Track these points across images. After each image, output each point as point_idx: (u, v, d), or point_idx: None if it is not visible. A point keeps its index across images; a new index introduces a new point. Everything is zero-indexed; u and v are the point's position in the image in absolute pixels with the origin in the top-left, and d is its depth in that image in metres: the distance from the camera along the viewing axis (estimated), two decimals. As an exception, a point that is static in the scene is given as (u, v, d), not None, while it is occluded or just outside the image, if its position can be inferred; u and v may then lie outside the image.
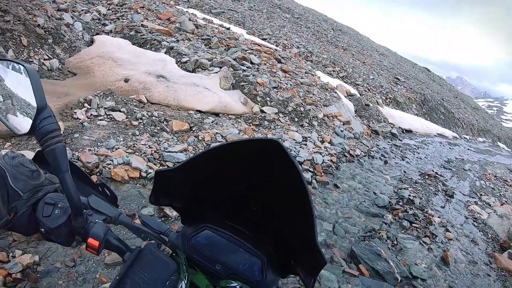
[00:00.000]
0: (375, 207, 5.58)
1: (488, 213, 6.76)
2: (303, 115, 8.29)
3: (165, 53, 8.87)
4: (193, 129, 5.94)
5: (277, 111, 7.96)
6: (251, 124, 7.08)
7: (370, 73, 19.72)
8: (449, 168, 10.04)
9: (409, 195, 6.28)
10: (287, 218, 0.82)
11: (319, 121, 8.49)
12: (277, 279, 0.90)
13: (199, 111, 6.83)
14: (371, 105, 12.95)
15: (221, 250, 0.88)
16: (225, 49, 10.38)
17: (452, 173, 9.51)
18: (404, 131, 13.41)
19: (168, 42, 9.47)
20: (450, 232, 5.36)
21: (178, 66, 8.37)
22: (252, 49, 11.22)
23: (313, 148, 6.91)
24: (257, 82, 8.39)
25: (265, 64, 10.33)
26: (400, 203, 5.88)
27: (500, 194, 9.22)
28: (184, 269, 0.81)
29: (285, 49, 16.18)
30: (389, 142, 10.64)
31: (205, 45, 10.44)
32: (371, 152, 8.60)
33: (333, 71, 16.80)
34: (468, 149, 15.68)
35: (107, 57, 7.70)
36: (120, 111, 5.67)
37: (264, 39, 16.42)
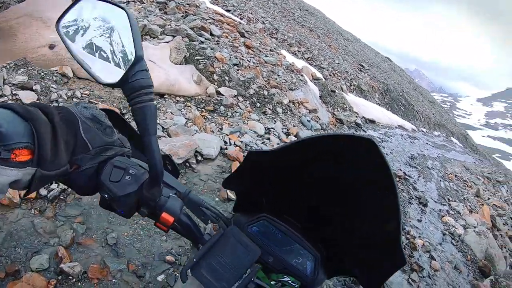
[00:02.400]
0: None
1: (463, 227, 6.28)
2: (266, 100, 7.20)
3: (109, 17, 7.38)
4: (125, 117, 4.62)
5: (236, 94, 6.79)
6: (203, 110, 5.91)
7: (336, 57, 18.95)
8: (414, 166, 9.70)
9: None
10: (369, 217, 0.79)
11: (284, 108, 7.46)
12: (324, 279, 0.87)
13: (139, 91, 5.51)
14: (336, 91, 12.07)
15: (276, 242, 0.85)
16: (182, 16, 9.09)
17: (418, 172, 9.14)
18: (368, 121, 13.01)
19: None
20: (435, 260, 4.60)
21: None
22: (213, 19, 10.04)
23: (278, 143, 5.87)
24: (215, 57, 7.16)
25: (227, 37, 9.20)
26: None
27: (463, 198, 9.19)
28: None
29: (249, 23, 14.93)
30: (354, 133, 9.81)
31: (160, 9, 9.10)
32: None
33: (298, 51, 15.86)
34: (427, 143, 15.82)
35: (36, 17, 6.08)
36: (31, 89, 4.25)
37: (228, 11, 15.06)
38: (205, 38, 8.15)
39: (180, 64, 6.56)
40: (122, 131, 0.82)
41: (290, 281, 0.81)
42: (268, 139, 5.83)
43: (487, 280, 4.69)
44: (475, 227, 6.70)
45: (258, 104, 7.00)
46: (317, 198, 0.86)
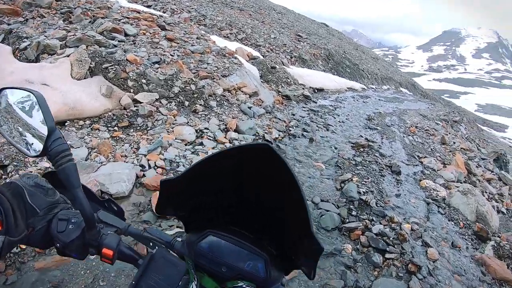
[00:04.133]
0: (322, 233, 3.78)
1: (444, 187, 5.66)
2: (195, 95, 6.14)
3: (1, 41, 6.34)
4: (7, 169, 3.51)
5: (157, 97, 5.72)
6: (116, 129, 4.80)
7: (271, 32, 18.08)
8: (374, 127, 9.08)
9: (359, 191, 4.67)
10: (284, 213, 0.86)
11: (218, 100, 6.47)
12: (281, 276, 0.93)
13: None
14: (277, 67, 11.16)
15: (225, 253, 0.89)
16: (90, 22, 8.02)
17: (380, 134, 8.51)
18: (316, 91, 12.42)
19: (10, 24, 7.03)
20: (431, 246, 3.79)
21: (16, 56, 5.85)
22: (128, 18, 9.05)
23: (213, 148, 4.88)
24: (127, 59, 6.03)
25: (144, 33, 8.19)
26: (354, 213, 4.24)
27: (431, 149, 8.77)
28: (192, 273, 0.87)
29: (173, 15, 13.81)
30: (304, 108, 9.04)
31: (63, 20, 7.99)
32: (290, 129, 6.85)
33: (231, 33, 14.99)
34: (379, 99, 15.53)
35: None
36: None
37: (149, 6, 14.16)
38: (119, 41, 7.19)
39: (84, 78, 5.40)
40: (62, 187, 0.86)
41: (244, 285, 0.86)
42: (201, 144, 4.87)
43: (489, 247, 4.02)
44: (454, 182, 6.10)
45: (186, 103, 5.96)
46: (243, 207, 0.92)
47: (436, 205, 4.90)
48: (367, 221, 4.01)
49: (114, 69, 5.68)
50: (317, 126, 7.49)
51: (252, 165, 0.81)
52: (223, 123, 5.63)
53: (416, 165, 6.52)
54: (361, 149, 6.57)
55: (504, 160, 10.28)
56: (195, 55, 7.71)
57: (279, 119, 6.98)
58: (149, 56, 6.65)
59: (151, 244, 0.93)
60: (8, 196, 0.74)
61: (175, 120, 5.30)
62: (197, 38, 9.23)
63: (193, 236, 0.92)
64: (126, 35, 7.72)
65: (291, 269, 0.95)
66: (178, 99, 5.87)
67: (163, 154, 4.30)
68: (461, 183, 6.34)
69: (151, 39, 7.83)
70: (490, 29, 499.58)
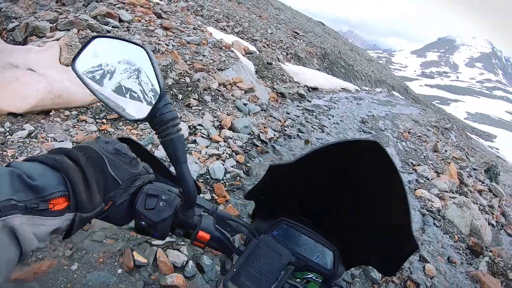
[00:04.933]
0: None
1: (438, 198, 5.51)
2: (190, 88, 5.87)
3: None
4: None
5: None
6: (104, 121, 4.49)
7: (268, 27, 17.85)
8: (368, 131, 9.05)
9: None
10: (379, 208, 0.84)
11: (213, 94, 6.21)
12: (343, 270, 0.91)
13: (13, 114, 3.94)
14: (273, 63, 10.96)
15: (296, 242, 0.89)
16: (83, 5, 7.75)
17: (374, 138, 8.12)
18: (311, 90, 12.31)
19: (-1, 2, 6.64)
20: (428, 261, 3.67)
21: (3, 37, 5.58)
22: (123, 3, 8.66)
23: (207, 147, 4.61)
24: None
25: (140, 20, 7.90)
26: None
27: (424, 157, 8.75)
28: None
29: (170, 3, 13.46)
30: (299, 107, 8.88)
31: (56, 1, 7.74)
32: (285, 128, 6.66)
33: (227, 26, 14.74)
34: (372, 102, 15.67)
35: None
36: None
37: None
38: (113, 26, 6.93)
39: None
40: (141, 157, 0.77)
41: (313, 277, 0.85)
42: (194, 142, 4.61)
43: (483, 263, 3.92)
44: (447, 192, 6.01)
45: (180, 96, 5.68)
46: (331, 197, 0.89)
47: (432, 216, 4.80)
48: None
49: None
50: (312, 126, 7.34)
51: (357, 160, 0.78)
52: (217, 120, 5.40)
53: (411, 173, 6.43)
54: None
55: (495, 172, 10.27)
56: (191, 46, 7.47)
57: (275, 117, 6.81)
58: (143, 43, 6.40)
59: (234, 230, 0.91)
60: (82, 164, 0.61)
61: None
62: (193, 28, 8.97)
63: (264, 223, 0.92)
64: (120, 21, 7.46)
65: (353, 265, 0.95)
66: (171, 91, 5.61)
67: (153, 152, 4.04)
68: (453, 193, 6.28)
69: (146, 26, 7.57)
70: (485, 39, 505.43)
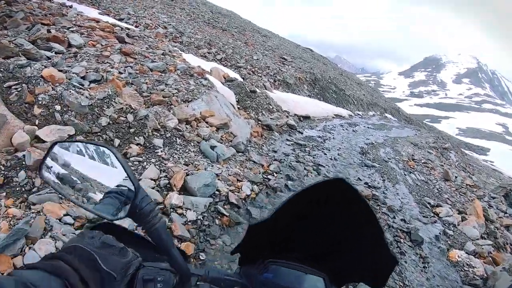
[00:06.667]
0: None
1: (478, 258, 4.32)
2: (132, 130, 4.45)
3: None
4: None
5: (72, 133, 3.89)
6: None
7: (254, 54, 16.89)
8: (371, 165, 7.82)
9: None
10: (359, 236, 0.90)
11: (168, 136, 4.84)
12: None
13: None
14: (258, 90, 9.82)
15: (287, 278, 0.91)
16: (27, 28, 6.63)
17: (379, 174, 7.26)
18: (302, 119, 11.23)
19: None
20: None
21: None
22: (80, 26, 7.83)
23: (136, 230, 2.98)
24: (42, 76, 4.34)
25: (94, 45, 6.91)
26: None
27: (437, 190, 7.60)
28: None
29: (144, 30, 12.54)
30: (288, 140, 7.66)
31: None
32: (269, 176, 5.20)
33: (209, 53, 13.80)
34: (368, 127, 14.97)
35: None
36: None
37: (121, 19, 13.12)
38: (56, 52, 5.93)
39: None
40: (122, 239, 0.77)
41: None
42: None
43: None
44: (479, 240, 4.78)
45: (117, 142, 4.25)
46: (312, 233, 0.95)
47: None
48: None
49: (20, 89, 4.03)
50: (305, 168, 5.98)
51: (326, 198, 0.85)
52: (166, 176, 3.93)
53: (434, 222, 5.18)
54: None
55: (515, 196, 9.04)
56: (153, 74, 6.27)
57: (255, 162, 5.43)
58: (86, 72, 5.20)
59: (222, 284, 0.91)
60: (76, 266, 0.61)
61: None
62: (162, 54, 7.83)
63: (252, 268, 0.94)
64: (70, 45, 6.42)
65: (344, 283, 0.99)
66: (105, 135, 4.20)
67: (43, 238, 2.57)
68: (484, 239, 5.07)
69: (101, 52, 6.47)
70: (470, 55, 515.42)
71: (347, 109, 18.94)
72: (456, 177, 9.62)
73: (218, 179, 4.26)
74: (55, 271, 0.58)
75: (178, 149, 4.66)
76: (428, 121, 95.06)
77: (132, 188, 0.70)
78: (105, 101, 4.43)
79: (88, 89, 4.60)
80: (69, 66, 5.37)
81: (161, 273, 0.78)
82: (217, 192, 4.04)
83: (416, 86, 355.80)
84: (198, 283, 0.87)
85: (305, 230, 0.95)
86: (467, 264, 4.05)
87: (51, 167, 0.75)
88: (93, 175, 0.75)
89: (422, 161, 10.21)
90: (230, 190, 4.22)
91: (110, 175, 0.73)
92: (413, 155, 10.70)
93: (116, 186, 0.75)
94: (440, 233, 4.86)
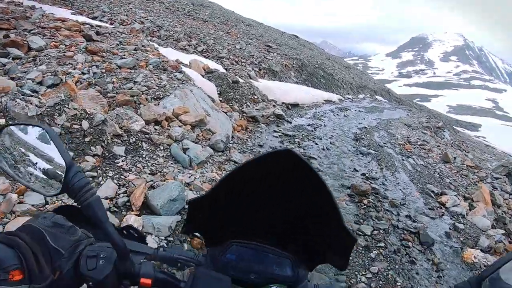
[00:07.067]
0: None
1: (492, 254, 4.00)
2: (87, 138, 3.72)
3: None
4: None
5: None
6: None
7: (237, 43, 16.29)
8: (366, 152, 7.25)
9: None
10: (313, 213, 0.89)
11: (132, 141, 4.12)
12: (306, 273, 0.94)
13: None
14: (241, 80, 9.22)
15: (252, 260, 0.90)
16: None
17: (376, 161, 6.77)
18: (290, 107, 10.76)
19: None
20: None
21: None
22: (44, 27, 7.25)
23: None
24: None
25: (57, 46, 6.31)
26: None
27: (438, 174, 7.16)
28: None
29: (118, 26, 12.01)
30: (276, 132, 7.13)
31: None
32: None
33: (189, 45, 13.21)
34: (359, 110, 14.54)
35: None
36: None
37: (94, 18, 12.83)
38: (13, 57, 5.49)
39: None
40: (80, 222, 0.82)
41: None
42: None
43: None
44: (490, 230, 4.35)
45: (71, 154, 3.52)
46: (266, 211, 0.92)
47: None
48: None
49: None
50: None
51: (276, 173, 0.81)
52: (125, 191, 3.28)
53: (442, 216, 4.67)
54: (364, 201, 4.60)
55: (518, 176, 8.58)
56: (121, 71, 5.65)
57: (236, 162, 4.80)
58: (43, 77, 4.60)
59: (179, 265, 0.91)
60: (28, 241, 0.67)
61: (22, 197, 2.78)
62: (134, 49, 7.19)
63: (216, 249, 0.92)
64: (29, 49, 5.83)
65: (315, 265, 0.97)
66: None
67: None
68: (494, 227, 4.63)
69: (63, 53, 5.87)
70: (456, 33, 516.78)
71: (336, 93, 18.47)
72: (455, 158, 9.18)
73: (190, 189, 3.61)
74: (9, 243, 0.64)
75: (143, 156, 3.99)
76: (418, 100, 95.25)
77: (64, 164, 0.72)
78: (57, 108, 3.76)
79: (40, 96, 4.00)
80: (25, 72, 4.82)
81: (105, 250, 0.77)
82: (187, 207, 3.34)
83: (404, 67, 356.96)
84: (142, 260, 0.83)
85: (257, 208, 0.92)
86: (485, 266, 3.58)
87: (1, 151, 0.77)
88: (31, 153, 0.77)
89: (419, 143, 9.77)
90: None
91: (46, 151, 0.75)
92: (408, 137, 10.27)
93: (52, 162, 0.76)
94: (450, 228, 4.36)
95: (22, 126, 0.79)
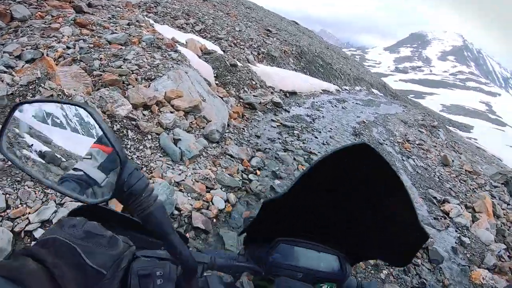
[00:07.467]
0: None
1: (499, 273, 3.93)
2: None
3: None
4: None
5: None
6: None
7: (236, 25, 15.75)
8: (366, 148, 6.70)
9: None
10: (383, 208, 0.82)
11: (116, 130, 3.66)
12: (350, 268, 0.90)
13: None
14: (239, 64, 8.79)
15: (299, 258, 0.87)
16: None
17: (361, 141, 6.22)
18: (288, 95, 10.40)
19: None
20: None
21: None
22: None
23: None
24: None
25: (42, 17, 5.87)
26: None
27: (438, 178, 6.97)
28: None
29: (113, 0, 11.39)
30: (274, 122, 6.75)
31: None
32: (250, 177, 4.12)
33: (186, 24, 12.65)
34: (356, 103, 14.50)
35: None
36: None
37: None
38: None
39: None
40: (109, 223, 0.68)
41: (327, 287, 0.84)
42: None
43: None
44: (493, 243, 4.17)
45: None
46: (329, 208, 0.86)
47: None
48: None
49: None
50: (294, 159, 5.03)
51: (351, 168, 0.75)
52: None
53: (448, 228, 4.44)
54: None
55: (515, 183, 8.41)
56: (111, 47, 5.22)
57: (232, 156, 4.36)
58: (22, 50, 4.16)
59: (237, 273, 0.83)
60: (49, 264, 0.47)
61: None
62: (127, 24, 6.71)
63: (260, 249, 0.87)
64: (12, 19, 5.37)
65: (360, 261, 0.95)
66: None
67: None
68: (495, 241, 4.44)
69: (49, 24, 5.41)
70: (456, 33, 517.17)
71: (334, 83, 18.18)
72: (453, 161, 8.98)
73: (180, 190, 3.19)
74: (14, 277, 0.43)
75: (128, 146, 3.52)
76: (412, 96, 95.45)
77: (117, 159, 0.52)
78: (31, 87, 3.32)
79: (14, 72, 3.55)
80: (2, 44, 4.42)
81: (160, 265, 0.64)
82: (176, 212, 2.92)
83: (401, 62, 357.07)
84: (205, 273, 0.75)
85: (323, 206, 0.84)
86: (491, 286, 3.36)
87: (14, 138, 0.55)
88: (67, 145, 0.56)
89: (417, 142, 9.71)
90: (195, 208, 3.09)
91: (88, 145, 0.55)
92: (406, 135, 10.20)
93: (96, 157, 0.57)
94: (456, 243, 4.13)
95: (59, 104, 0.60)
